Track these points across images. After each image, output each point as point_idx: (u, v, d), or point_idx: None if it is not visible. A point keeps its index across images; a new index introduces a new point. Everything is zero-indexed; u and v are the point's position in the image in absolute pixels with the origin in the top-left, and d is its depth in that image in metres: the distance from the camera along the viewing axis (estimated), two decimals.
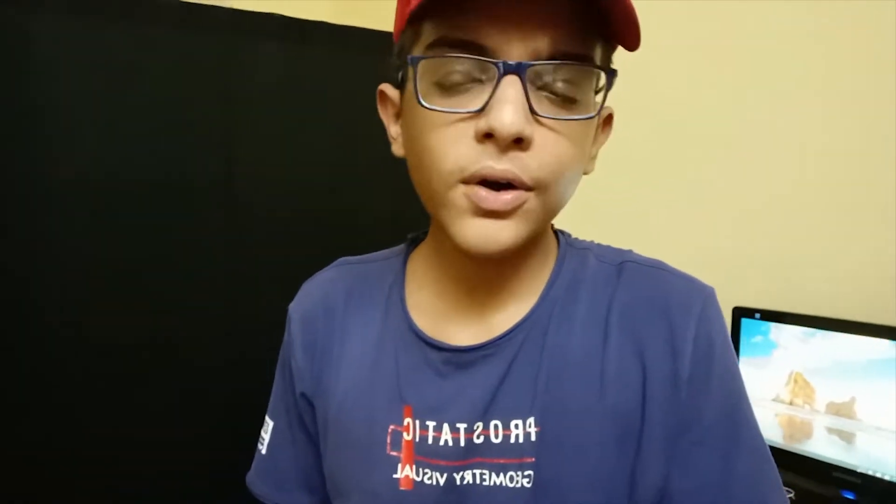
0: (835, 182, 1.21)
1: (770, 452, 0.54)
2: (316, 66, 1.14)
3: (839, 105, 1.19)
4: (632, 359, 0.53)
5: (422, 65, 0.48)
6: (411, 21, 0.48)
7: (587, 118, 0.49)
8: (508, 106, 0.45)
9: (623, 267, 0.57)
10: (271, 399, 0.68)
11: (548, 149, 0.47)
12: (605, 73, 0.49)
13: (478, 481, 0.53)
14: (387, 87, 0.56)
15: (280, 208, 1.14)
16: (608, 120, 0.57)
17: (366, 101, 0.63)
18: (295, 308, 0.65)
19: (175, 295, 1.07)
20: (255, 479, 0.68)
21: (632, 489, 0.52)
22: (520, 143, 0.46)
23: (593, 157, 0.56)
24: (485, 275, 0.56)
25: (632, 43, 0.48)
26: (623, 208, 1.41)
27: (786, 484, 0.57)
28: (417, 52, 0.50)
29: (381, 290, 0.62)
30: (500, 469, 0.53)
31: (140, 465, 1.06)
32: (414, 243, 0.65)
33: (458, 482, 0.53)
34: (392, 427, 0.56)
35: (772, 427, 1.14)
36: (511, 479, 0.52)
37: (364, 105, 0.68)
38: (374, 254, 0.67)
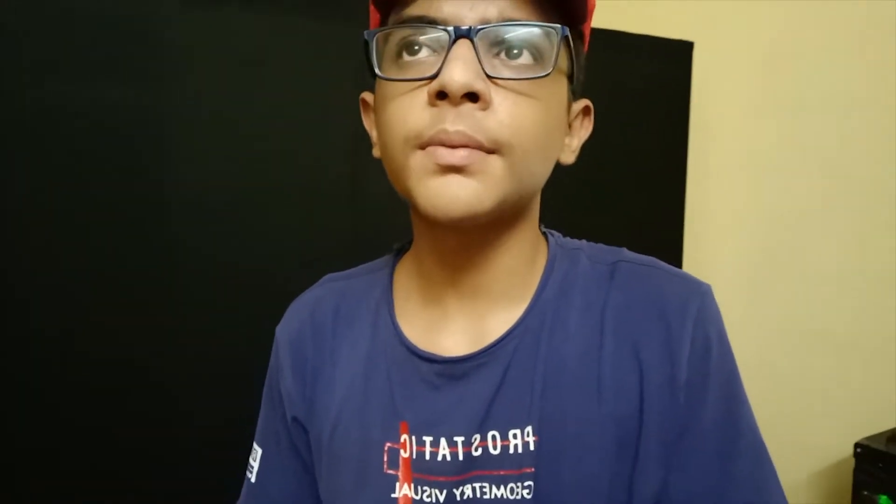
0: None
1: (769, 453, 0.52)
2: None
3: None
4: (628, 363, 0.52)
5: (378, 38, 0.49)
6: (379, 7, 0.50)
7: (543, 76, 0.47)
8: (458, 62, 0.45)
9: (616, 267, 0.56)
10: (258, 425, 0.66)
11: (506, 108, 0.47)
12: (556, 30, 0.48)
13: (478, 495, 0.52)
14: (367, 95, 0.57)
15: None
16: (587, 112, 0.56)
17: None
18: (282, 330, 0.63)
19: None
20: None
21: (631, 494, 0.50)
22: (474, 100, 0.46)
23: (574, 151, 0.55)
24: (472, 278, 0.55)
25: (579, 13, 0.49)
26: None
27: None
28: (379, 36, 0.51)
29: (369, 304, 0.60)
30: (500, 481, 0.51)
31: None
32: (400, 253, 0.63)
33: (459, 497, 0.52)
34: (388, 445, 0.54)
35: None
36: (511, 490, 0.51)
37: None
38: (360, 267, 0.65)
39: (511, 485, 0.51)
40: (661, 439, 0.51)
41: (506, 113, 0.47)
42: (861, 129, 1.33)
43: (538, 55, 0.48)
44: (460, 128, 0.45)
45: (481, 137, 0.46)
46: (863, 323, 1.31)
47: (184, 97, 1.03)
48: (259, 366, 0.66)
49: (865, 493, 1.15)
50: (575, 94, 0.54)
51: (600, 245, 0.60)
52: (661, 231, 1.46)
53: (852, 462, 1.20)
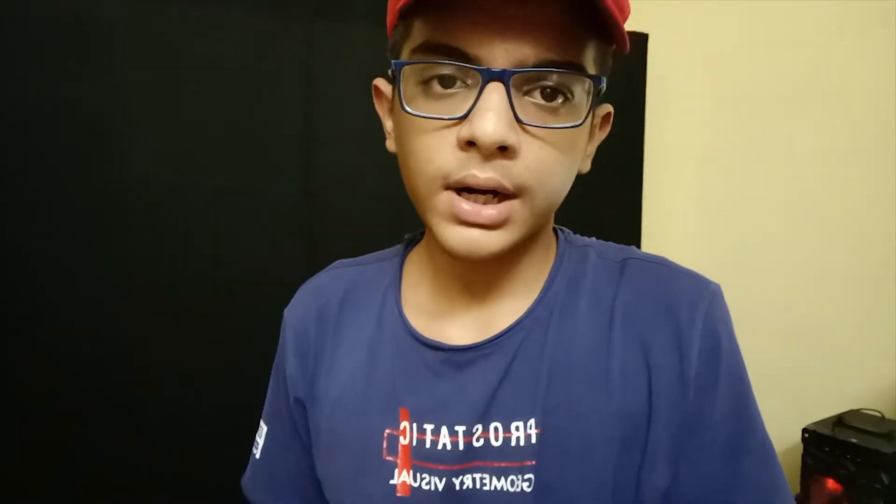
0: None
1: (776, 453, 0.53)
2: None
3: None
4: (637, 359, 0.51)
5: (406, 69, 0.47)
6: (402, 17, 0.48)
7: (573, 126, 0.47)
8: (491, 114, 0.44)
9: (626, 264, 0.56)
10: (266, 403, 0.67)
11: (533, 154, 0.46)
12: (592, 80, 0.47)
13: (478, 486, 0.51)
14: (380, 82, 0.55)
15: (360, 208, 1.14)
16: (606, 118, 0.55)
17: None
18: (289, 313, 0.64)
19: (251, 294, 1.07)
20: (248, 484, 0.66)
21: (637, 492, 0.50)
22: (504, 150, 0.45)
23: (589, 156, 0.55)
24: (481, 273, 0.55)
25: (620, 45, 0.47)
26: None
27: None
28: (406, 53, 0.48)
29: (377, 292, 0.61)
30: (500, 473, 0.51)
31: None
32: (411, 244, 0.63)
33: (458, 487, 0.52)
34: (388, 431, 0.54)
35: None
36: (512, 483, 0.51)
37: None
38: (371, 255, 0.66)
39: (511, 477, 0.51)
40: (670, 434, 0.50)
41: (532, 159, 0.46)
42: (812, 119, 1.36)
43: (570, 95, 0.47)
44: (490, 175, 0.45)
45: (507, 183, 0.46)
46: (811, 313, 1.35)
47: (139, 93, 1.01)
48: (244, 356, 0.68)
49: (814, 476, 1.19)
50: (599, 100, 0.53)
51: (609, 243, 0.60)
52: (620, 220, 1.47)
53: (801, 447, 1.23)
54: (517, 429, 0.51)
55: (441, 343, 0.55)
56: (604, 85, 0.49)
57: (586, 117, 0.48)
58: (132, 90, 1.00)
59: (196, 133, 1.01)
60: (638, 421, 0.50)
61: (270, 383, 0.66)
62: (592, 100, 0.48)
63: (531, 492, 0.50)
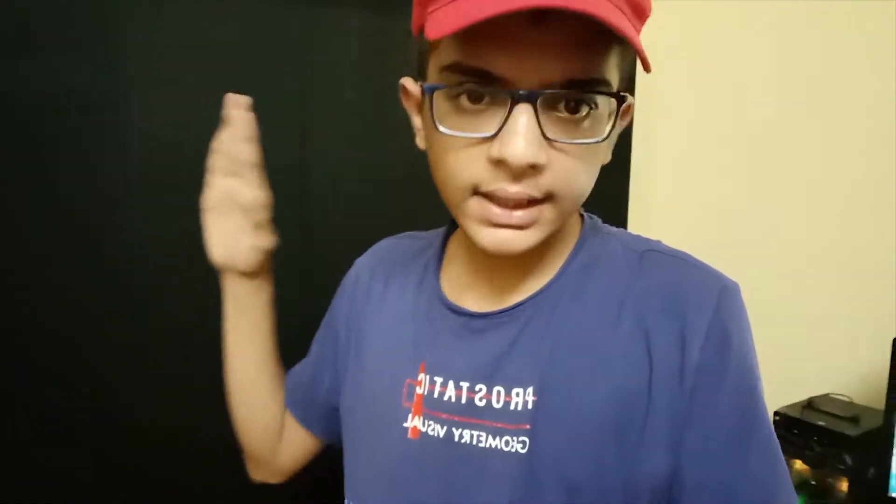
0: None
1: (782, 453, 0.53)
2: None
3: None
4: (640, 345, 0.53)
5: (437, 92, 0.50)
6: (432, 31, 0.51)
7: (597, 141, 0.50)
8: (520, 137, 0.46)
9: (645, 255, 0.59)
10: (318, 332, 0.79)
11: (560, 165, 0.49)
12: (616, 98, 0.50)
13: (474, 441, 0.56)
14: (407, 81, 0.59)
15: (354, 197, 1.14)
16: (627, 108, 0.57)
17: None
18: (359, 262, 0.76)
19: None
20: (287, 376, 0.79)
21: (629, 474, 0.52)
22: (533, 167, 0.48)
23: (610, 146, 0.58)
24: (510, 259, 0.58)
25: (644, 67, 0.49)
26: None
27: None
28: (433, 69, 0.51)
29: (422, 262, 0.69)
30: (497, 433, 0.55)
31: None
32: (455, 224, 0.69)
33: (457, 438, 0.57)
34: (408, 381, 0.61)
35: None
36: (506, 443, 0.54)
37: None
38: (429, 231, 0.74)
39: (507, 437, 0.54)
40: (668, 424, 0.51)
41: (560, 169, 0.50)
42: (804, 107, 1.37)
43: (595, 105, 0.49)
44: (520, 189, 0.49)
45: (536, 193, 0.50)
46: (780, 301, 1.38)
47: (137, 78, 0.99)
48: None
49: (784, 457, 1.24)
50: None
51: (638, 235, 0.63)
52: (606, 210, 1.48)
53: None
54: (517, 395, 0.55)
55: (463, 309, 0.61)
56: (630, 100, 0.53)
57: (612, 128, 0.51)
58: (119, 76, 0.98)
59: (185, 121, 1.00)
60: (634, 404, 0.52)
61: (325, 317, 0.78)
62: (617, 108, 0.51)
63: (525, 453, 0.53)
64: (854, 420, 1.17)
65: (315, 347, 0.78)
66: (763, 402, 0.54)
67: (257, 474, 0.80)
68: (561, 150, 0.49)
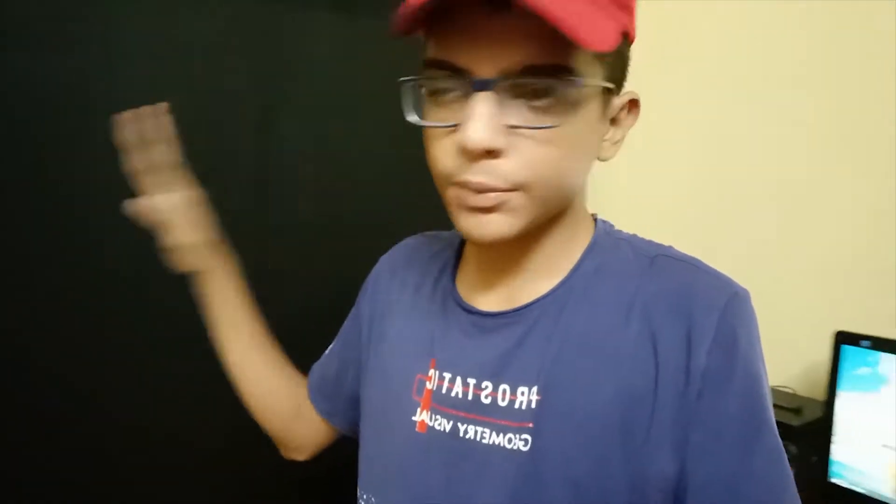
0: None
1: (787, 461, 0.53)
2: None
3: None
4: (646, 345, 0.54)
5: (420, 82, 0.53)
6: (425, 35, 0.54)
7: (554, 126, 0.50)
8: (475, 123, 0.48)
9: (656, 260, 0.59)
10: (343, 325, 0.82)
11: (524, 154, 0.50)
12: (575, 80, 0.49)
13: (478, 438, 0.57)
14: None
15: (317, 201, 1.12)
16: (633, 104, 0.59)
17: None
18: (383, 259, 0.80)
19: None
20: (312, 370, 0.83)
21: (635, 474, 0.52)
22: (492, 153, 0.50)
23: (616, 142, 0.59)
24: (507, 254, 0.61)
25: (588, 45, 0.46)
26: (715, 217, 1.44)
27: None
28: (420, 66, 0.54)
29: (440, 262, 0.71)
30: (500, 430, 0.56)
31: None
32: None
33: (461, 434, 0.58)
34: (419, 376, 0.63)
35: (881, 479, 1.01)
36: (509, 440, 0.56)
37: None
38: (451, 231, 0.74)
39: (510, 435, 0.56)
40: (673, 426, 0.52)
41: (522, 158, 0.50)
42: (797, 111, 1.38)
43: (560, 93, 0.50)
44: (480, 179, 0.50)
45: (500, 183, 0.51)
46: (759, 291, 1.42)
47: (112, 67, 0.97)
48: None
49: None
50: (618, 89, 0.56)
51: (650, 240, 0.63)
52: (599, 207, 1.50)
53: None
54: (522, 393, 0.56)
55: (474, 308, 0.63)
56: (633, 95, 0.55)
57: (578, 112, 0.51)
58: (119, 76, 0.96)
59: (184, 121, 0.97)
60: (640, 404, 0.52)
61: (350, 311, 0.81)
62: (598, 93, 0.52)
63: (527, 450, 0.54)
64: (797, 411, 1.21)
65: (339, 341, 0.82)
66: (770, 411, 0.54)
67: (284, 453, 0.85)
68: (529, 138, 0.49)
